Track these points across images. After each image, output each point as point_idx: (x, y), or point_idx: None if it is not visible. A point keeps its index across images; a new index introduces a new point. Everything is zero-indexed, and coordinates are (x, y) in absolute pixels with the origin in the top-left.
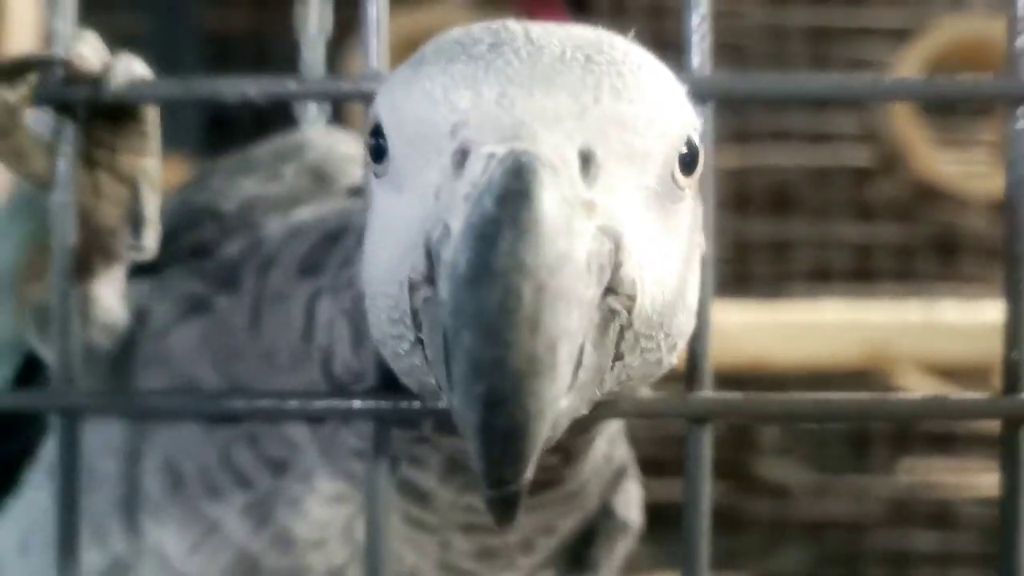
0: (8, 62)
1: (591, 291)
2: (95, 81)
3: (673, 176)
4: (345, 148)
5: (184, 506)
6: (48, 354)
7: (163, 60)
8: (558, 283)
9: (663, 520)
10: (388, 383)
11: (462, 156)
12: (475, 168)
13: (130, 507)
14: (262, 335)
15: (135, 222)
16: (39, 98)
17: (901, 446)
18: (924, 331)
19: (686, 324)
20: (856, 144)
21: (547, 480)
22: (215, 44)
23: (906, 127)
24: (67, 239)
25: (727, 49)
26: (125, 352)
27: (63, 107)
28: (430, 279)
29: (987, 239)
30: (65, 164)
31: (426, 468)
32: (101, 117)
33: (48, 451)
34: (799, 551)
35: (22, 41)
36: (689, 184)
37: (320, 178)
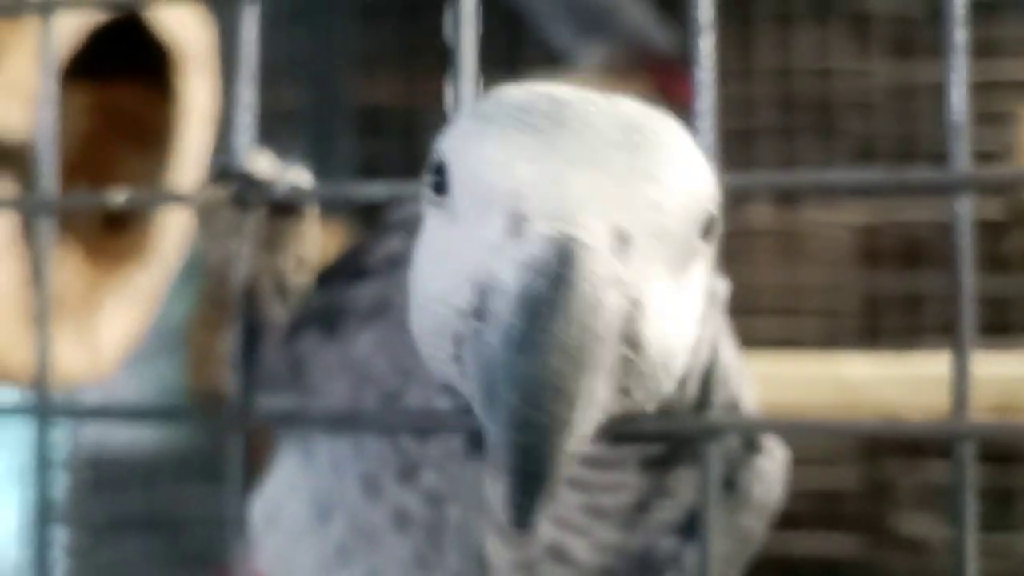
0: (217, 170)
1: (614, 354)
2: (267, 186)
3: (691, 242)
4: None
5: (363, 468)
6: (231, 390)
7: (318, 130)
8: (591, 359)
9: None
10: None
11: (517, 224)
12: (530, 240)
13: (336, 467)
14: None
15: (281, 290)
16: (231, 198)
17: None
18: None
19: (683, 360)
20: (987, 196)
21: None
22: (367, 115)
23: None
24: (243, 300)
25: (856, 107)
26: (300, 371)
27: (244, 204)
28: (477, 314)
29: None
30: (245, 247)
31: None
32: (277, 213)
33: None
34: None
35: (201, 126)
36: (705, 246)
37: None
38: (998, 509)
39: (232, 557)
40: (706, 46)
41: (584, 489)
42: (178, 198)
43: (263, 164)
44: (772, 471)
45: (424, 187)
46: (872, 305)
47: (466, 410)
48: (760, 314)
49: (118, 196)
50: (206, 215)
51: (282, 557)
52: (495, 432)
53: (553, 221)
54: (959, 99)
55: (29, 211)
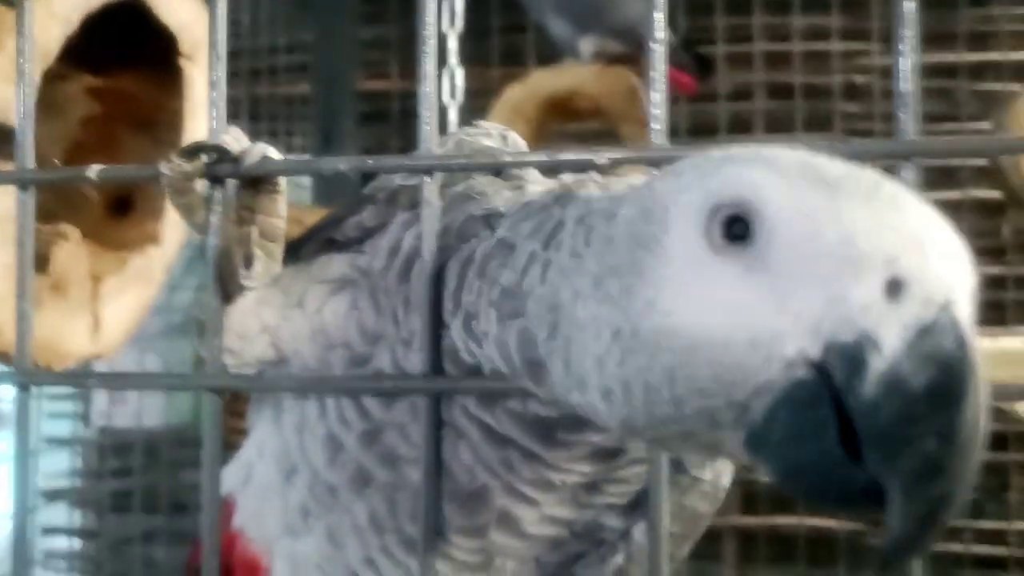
0: (185, 147)
1: None
2: (236, 160)
3: None
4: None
5: (326, 430)
6: (205, 353)
7: (324, 119)
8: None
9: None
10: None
11: (896, 287)
12: (914, 305)
13: (300, 430)
14: (411, 287)
15: (246, 262)
16: (202, 172)
17: None
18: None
19: None
20: (984, 180)
21: (615, 450)
22: (369, 103)
23: None
24: (216, 271)
25: (849, 88)
26: (272, 337)
27: (215, 179)
28: (816, 366)
29: None
30: (215, 218)
31: (495, 409)
32: (248, 187)
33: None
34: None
35: (202, 112)
36: None
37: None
38: (992, 495)
39: (202, 521)
40: (659, 18)
41: (537, 463)
42: (152, 173)
43: (233, 139)
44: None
45: (678, 219)
46: None
47: (406, 376)
48: None
49: (92, 171)
50: (179, 189)
51: (254, 517)
52: (900, 492)
53: (937, 292)
54: (906, 69)
55: (11, 182)
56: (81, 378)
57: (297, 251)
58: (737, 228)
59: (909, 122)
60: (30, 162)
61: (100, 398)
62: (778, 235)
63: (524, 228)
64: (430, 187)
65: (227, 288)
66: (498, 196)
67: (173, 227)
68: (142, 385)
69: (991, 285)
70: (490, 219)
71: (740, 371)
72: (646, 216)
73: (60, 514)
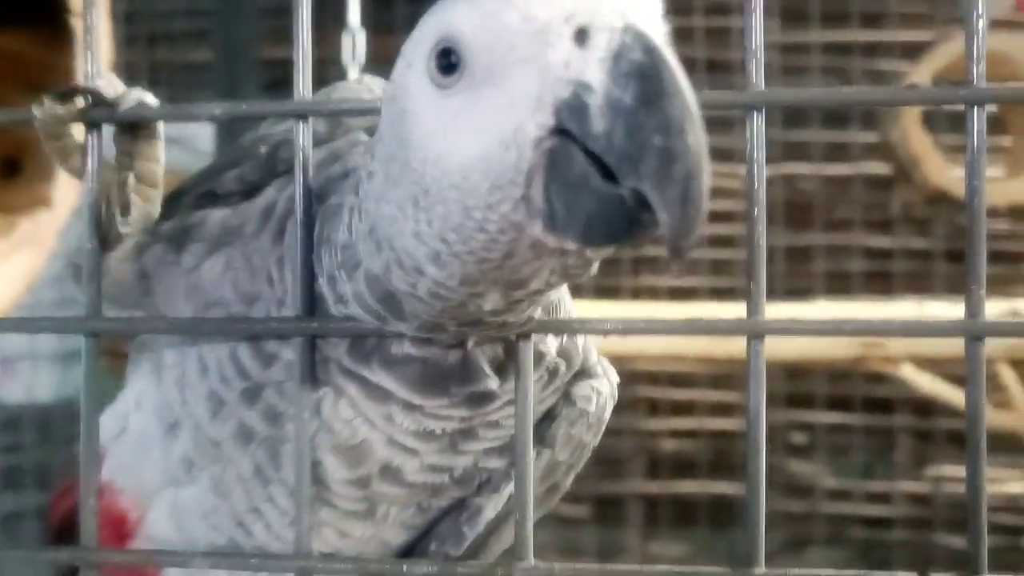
0: (59, 90)
1: None
2: (111, 105)
3: None
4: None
5: (208, 387)
6: (82, 297)
7: (226, 85)
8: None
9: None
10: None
11: (583, 35)
12: (602, 40)
13: (181, 386)
14: (284, 247)
15: (123, 209)
16: (76, 116)
17: (925, 449)
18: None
19: None
20: (873, 155)
21: (489, 394)
22: (272, 70)
23: (918, 138)
24: (92, 215)
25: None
26: (148, 288)
27: (91, 123)
28: (558, 131)
29: (1004, 244)
30: (92, 163)
31: (371, 363)
32: (126, 132)
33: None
34: (824, 550)
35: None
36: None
37: (336, 122)
38: (880, 456)
39: (80, 469)
40: None
41: (416, 413)
42: (23, 116)
43: (108, 84)
44: (604, 391)
45: (413, 74)
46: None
47: (282, 319)
48: (653, 267)
49: None
50: (53, 133)
51: (128, 468)
52: (651, 183)
53: (616, 21)
54: (756, 24)
55: None
56: None
57: (177, 200)
58: (453, 59)
59: (759, 74)
60: None
61: None
62: (478, 45)
63: (346, 185)
64: (303, 132)
65: (104, 234)
66: (357, 155)
67: (64, 190)
68: (20, 328)
69: (880, 257)
70: (347, 177)
71: (508, 169)
72: (395, 94)
73: None
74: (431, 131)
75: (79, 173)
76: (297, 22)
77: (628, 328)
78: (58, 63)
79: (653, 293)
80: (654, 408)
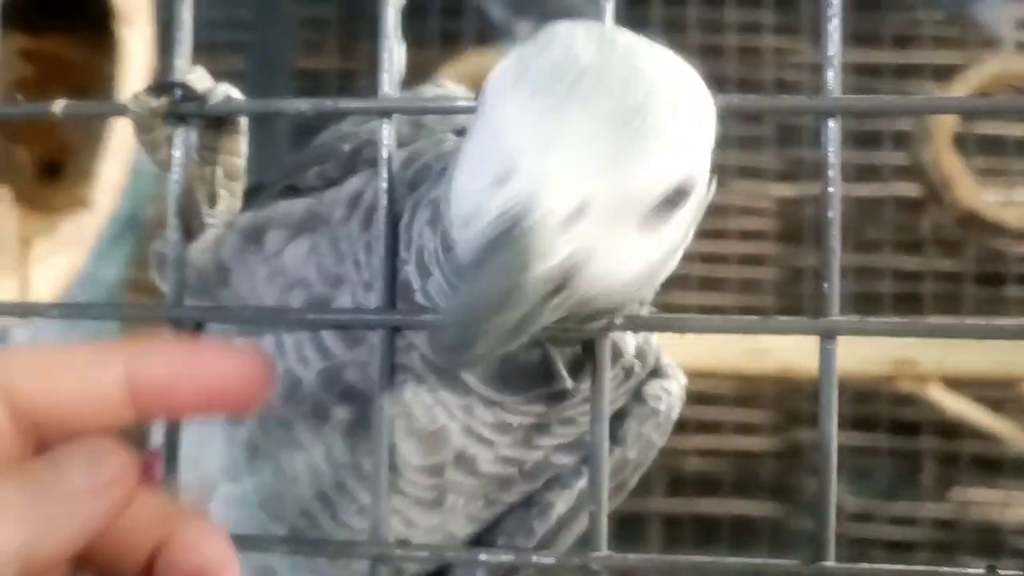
0: (153, 83)
1: (543, 292)
2: (201, 99)
3: (657, 211)
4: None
5: (283, 367)
6: (166, 287)
7: (260, 95)
8: (522, 311)
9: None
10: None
11: (502, 180)
12: (505, 196)
13: None
14: (372, 233)
15: (209, 201)
16: (168, 109)
17: (951, 472)
18: (946, 344)
19: (622, 299)
20: (903, 177)
21: (565, 392)
22: (306, 80)
23: (950, 159)
24: (179, 206)
25: (781, 84)
26: (226, 279)
27: (180, 117)
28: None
29: None
30: (178, 155)
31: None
32: (210, 127)
33: None
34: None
35: (137, 78)
36: (678, 210)
37: (418, 125)
38: (905, 478)
39: (155, 451)
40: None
41: (495, 407)
42: (118, 109)
43: (199, 78)
44: (674, 392)
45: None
46: (791, 278)
47: (361, 310)
48: (683, 284)
49: (56, 106)
50: (144, 126)
51: (192, 457)
52: (448, 310)
53: (526, 186)
54: (833, 30)
55: None
56: (38, 308)
57: (256, 194)
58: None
59: (836, 81)
60: None
61: None
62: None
63: (436, 177)
64: (387, 130)
65: (189, 225)
66: (447, 149)
67: (104, 193)
68: (103, 316)
69: (910, 279)
70: (439, 169)
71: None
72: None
73: None
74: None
75: (166, 165)
76: (383, 20)
77: (707, 326)
78: (102, 67)
79: (682, 309)
80: (679, 426)
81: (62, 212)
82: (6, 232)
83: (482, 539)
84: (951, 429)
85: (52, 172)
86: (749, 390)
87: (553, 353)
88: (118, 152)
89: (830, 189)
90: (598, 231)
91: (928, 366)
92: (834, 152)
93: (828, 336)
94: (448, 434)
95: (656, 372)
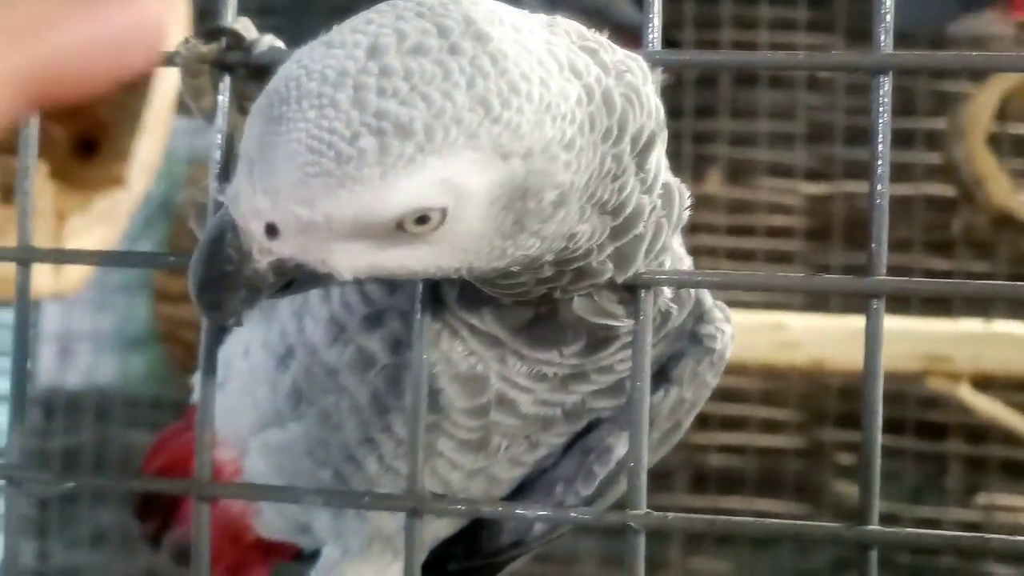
0: (204, 30)
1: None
2: (247, 48)
3: (400, 227)
4: None
5: (328, 312)
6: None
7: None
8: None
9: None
10: None
11: (230, 204)
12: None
13: (299, 314)
14: None
15: None
16: (216, 56)
17: (977, 476)
18: (980, 341)
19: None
20: (936, 177)
21: (606, 337)
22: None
23: (983, 158)
24: (220, 154)
25: (813, 81)
26: None
27: (226, 66)
28: None
29: None
30: (222, 102)
31: (481, 311)
32: (253, 76)
33: None
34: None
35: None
36: (426, 228)
37: None
38: (930, 481)
39: (199, 405)
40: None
41: (527, 360)
42: (168, 56)
43: (245, 28)
44: (727, 332)
45: None
46: (820, 274)
47: None
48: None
49: None
50: (192, 71)
51: (230, 414)
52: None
53: (236, 207)
54: None
55: None
56: (82, 256)
57: None
58: None
59: (888, 39)
60: None
61: (47, 356)
62: None
63: None
64: None
65: (229, 171)
66: None
67: (138, 172)
68: (143, 262)
69: (941, 279)
70: None
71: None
72: None
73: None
74: None
75: (208, 112)
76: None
77: (746, 283)
78: None
79: None
80: (703, 422)
81: (97, 189)
82: (42, 207)
83: (537, 484)
84: (979, 432)
85: (87, 149)
86: (776, 387)
87: (570, 307)
88: (153, 131)
89: (879, 147)
90: (308, 241)
91: (962, 364)
92: (884, 109)
93: (874, 296)
94: (487, 379)
95: (704, 314)
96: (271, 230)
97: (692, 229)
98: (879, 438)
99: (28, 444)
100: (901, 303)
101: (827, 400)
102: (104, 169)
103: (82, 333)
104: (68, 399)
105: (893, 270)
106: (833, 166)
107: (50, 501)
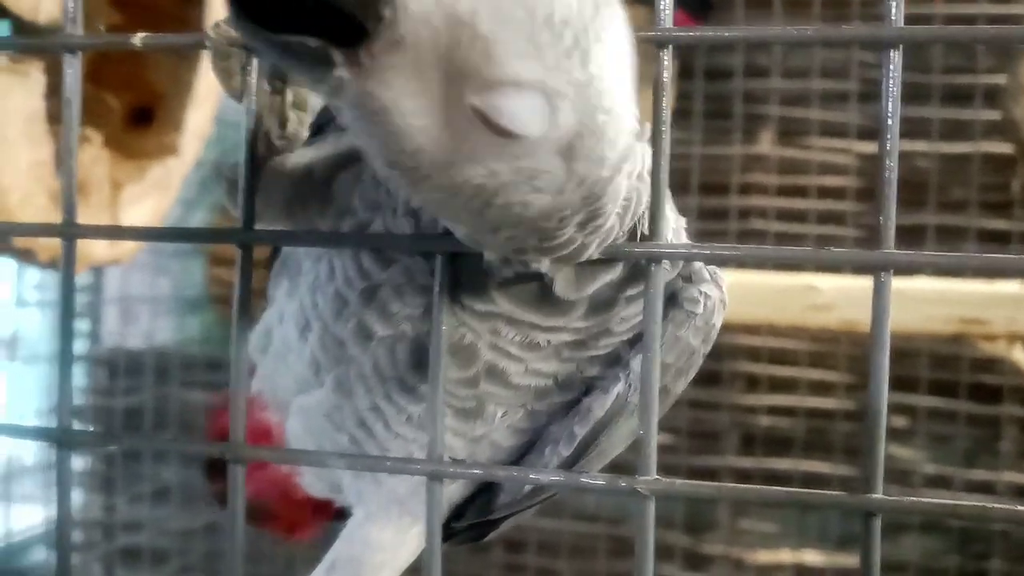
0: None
1: None
2: None
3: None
4: None
5: (334, 288)
6: (236, 211)
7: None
8: None
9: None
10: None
11: None
12: None
13: (313, 289)
14: None
15: (281, 123)
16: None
17: None
18: (1016, 304)
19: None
20: (994, 135)
21: (608, 300)
22: None
23: None
24: (250, 132)
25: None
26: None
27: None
28: None
29: None
30: (253, 83)
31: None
32: None
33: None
34: (920, 538)
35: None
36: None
37: None
38: (984, 445)
39: (231, 373)
40: None
41: (520, 327)
42: (197, 40)
43: None
44: (714, 296)
45: None
46: (872, 236)
47: (421, 236)
48: (760, 241)
49: (136, 38)
50: (222, 54)
51: (271, 378)
52: None
53: None
54: None
55: (57, 49)
56: (122, 232)
57: (320, 129)
58: None
59: (899, 11)
60: (79, 29)
61: (110, 317)
62: None
63: None
64: None
65: (259, 150)
66: None
67: (191, 140)
68: (178, 237)
69: (996, 239)
70: None
71: None
72: None
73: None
74: None
75: (238, 94)
76: None
77: (751, 256)
78: (190, 15)
79: (760, 266)
80: (753, 383)
81: (151, 157)
82: (98, 175)
83: (530, 449)
84: None
85: (141, 119)
86: (825, 349)
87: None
88: (205, 100)
89: (888, 122)
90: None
91: (998, 326)
92: (894, 83)
93: (882, 269)
94: (477, 349)
95: (691, 276)
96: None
97: (743, 190)
98: (884, 409)
99: (82, 403)
100: None
101: None
102: (158, 138)
103: (141, 296)
104: (129, 359)
105: (948, 230)
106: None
107: (114, 457)
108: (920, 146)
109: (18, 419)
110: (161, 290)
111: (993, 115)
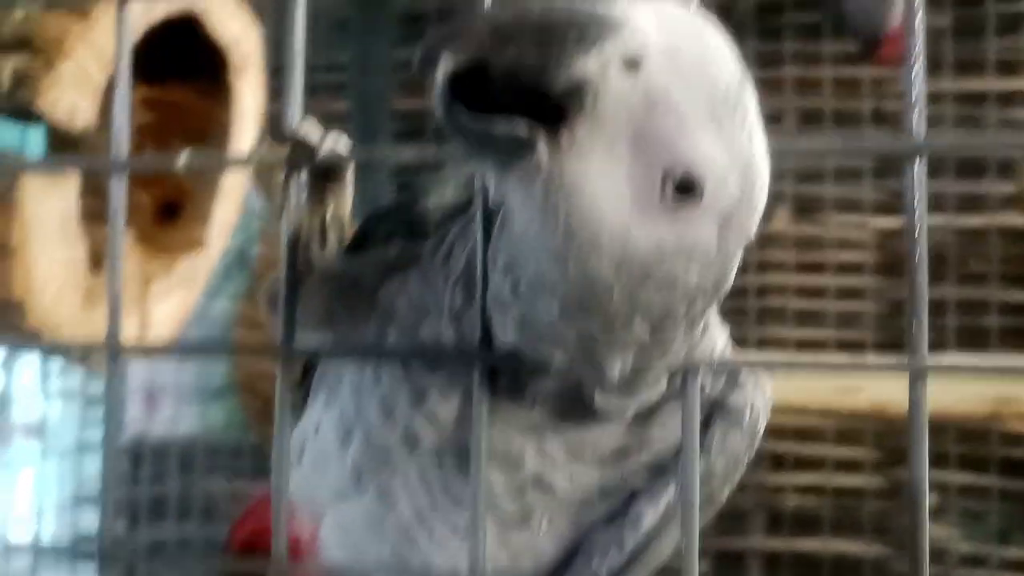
0: (271, 133)
1: None
2: (312, 150)
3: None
4: None
5: (380, 393)
6: (278, 326)
7: (361, 135)
8: None
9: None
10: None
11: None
12: None
13: (357, 394)
14: (449, 268)
15: (321, 239)
16: (284, 159)
17: None
18: None
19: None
20: (1009, 207)
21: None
22: (405, 121)
23: None
24: (289, 247)
25: (878, 115)
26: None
27: (293, 166)
28: None
29: None
30: (292, 199)
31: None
32: (320, 176)
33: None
34: None
35: (249, 122)
36: (692, 202)
37: None
38: (1018, 522)
39: (274, 489)
40: None
41: (565, 436)
42: (239, 161)
43: (311, 129)
44: (759, 404)
45: None
46: (891, 311)
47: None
48: (780, 318)
49: (182, 158)
50: (263, 175)
51: (307, 484)
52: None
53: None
54: (918, 70)
55: (103, 170)
56: (171, 350)
57: (363, 240)
58: None
59: (920, 122)
60: (124, 150)
61: (134, 405)
62: None
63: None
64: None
65: (298, 266)
66: None
67: (218, 233)
68: (221, 351)
69: (1017, 312)
70: None
71: None
72: None
73: (92, 519)
74: None
75: (281, 209)
76: None
77: (789, 365)
78: (217, 114)
79: (780, 344)
80: (779, 462)
81: (179, 252)
82: (128, 271)
83: (572, 558)
84: None
85: (170, 213)
86: (851, 426)
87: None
88: (231, 194)
89: (916, 232)
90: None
91: None
92: (920, 192)
93: (918, 379)
94: (523, 457)
95: (736, 384)
96: (632, 63)
97: (760, 267)
98: (926, 520)
99: (117, 501)
100: (977, 338)
101: (904, 439)
102: (186, 232)
103: (165, 385)
104: (154, 448)
105: (967, 303)
106: (902, 199)
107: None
108: (937, 219)
109: (40, 508)
110: (185, 379)
111: (1007, 187)
